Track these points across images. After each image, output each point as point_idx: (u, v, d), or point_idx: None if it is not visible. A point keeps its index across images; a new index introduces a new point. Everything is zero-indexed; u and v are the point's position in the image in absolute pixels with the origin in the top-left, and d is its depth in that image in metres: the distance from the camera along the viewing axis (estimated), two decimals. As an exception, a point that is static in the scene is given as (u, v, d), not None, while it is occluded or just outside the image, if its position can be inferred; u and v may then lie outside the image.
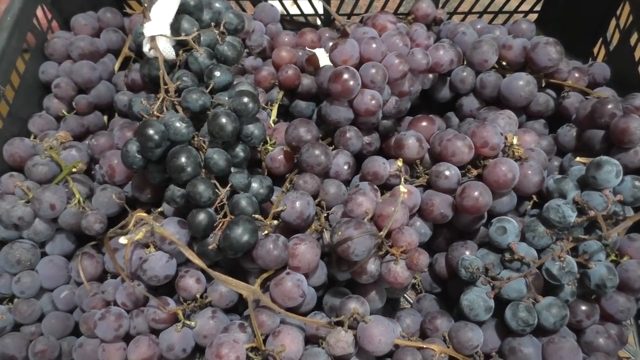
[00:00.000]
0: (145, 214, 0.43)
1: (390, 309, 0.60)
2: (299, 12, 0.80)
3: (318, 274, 0.51)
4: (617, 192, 0.50)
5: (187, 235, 0.50)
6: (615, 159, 0.51)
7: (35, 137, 0.62)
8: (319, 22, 0.82)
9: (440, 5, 0.74)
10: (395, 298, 0.61)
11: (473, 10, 0.79)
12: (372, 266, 0.47)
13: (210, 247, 0.47)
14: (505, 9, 0.79)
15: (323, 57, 0.64)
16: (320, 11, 0.80)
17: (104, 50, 0.68)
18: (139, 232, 0.42)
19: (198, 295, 0.49)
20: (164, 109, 0.49)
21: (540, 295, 0.49)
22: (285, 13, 0.80)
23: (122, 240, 0.42)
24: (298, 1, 0.78)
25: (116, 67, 0.69)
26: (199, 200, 0.46)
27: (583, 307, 0.50)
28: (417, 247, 0.48)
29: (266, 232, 0.47)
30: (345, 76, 0.53)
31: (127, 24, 0.71)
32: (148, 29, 0.50)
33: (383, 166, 0.55)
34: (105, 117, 0.69)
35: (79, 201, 0.56)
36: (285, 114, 0.69)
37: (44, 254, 0.56)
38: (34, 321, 0.54)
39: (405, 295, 0.63)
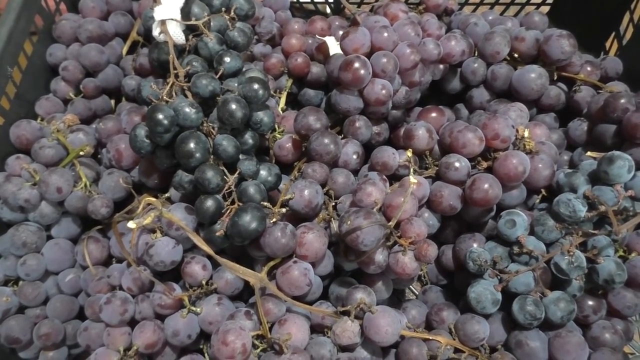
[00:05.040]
0: (154, 199, 0.43)
1: (396, 300, 0.60)
2: (308, 0, 0.79)
3: (325, 263, 0.50)
4: (629, 187, 0.50)
5: (194, 222, 0.49)
6: (627, 154, 0.50)
7: (42, 120, 0.62)
8: (328, 10, 0.82)
9: (451, -4, 0.73)
10: (400, 289, 0.61)
11: (484, 2, 0.78)
12: (380, 256, 0.47)
13: (217, 234, 0.47)
14: (517, 0, 0.78)
15: (333, 46, 0.64)
16: (330, -1, 0.79)
17: (112, 33, 0.67)
18: (147, 216, 0.42)
19: (204, 282, 0.49)
20: (173, 94, 0.48)
21: (548, 289, 0.49)
22: (295, 0, 0.80)
23: (131, 224, 0.41)
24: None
25: (124, 51, 0.68)
26: (207, 187, 0.46)
27: (590, 302, 0.50)
28: (426, 239, 0.48)
29: (274, 219, 0.47)
30: (356, 65, 0.52)
31: (136, 7, 0.70)
32: (158, 13, 0.49)
33: (392, 156, 0.55)
34: (113, 101, 0.68)
35: (85, 185, 0.55)
36: (294, 102, 0.68)
37: (49, 237, 0.56)
38: (39, 304, 0.54)
39: (410, 286, 0.63)
